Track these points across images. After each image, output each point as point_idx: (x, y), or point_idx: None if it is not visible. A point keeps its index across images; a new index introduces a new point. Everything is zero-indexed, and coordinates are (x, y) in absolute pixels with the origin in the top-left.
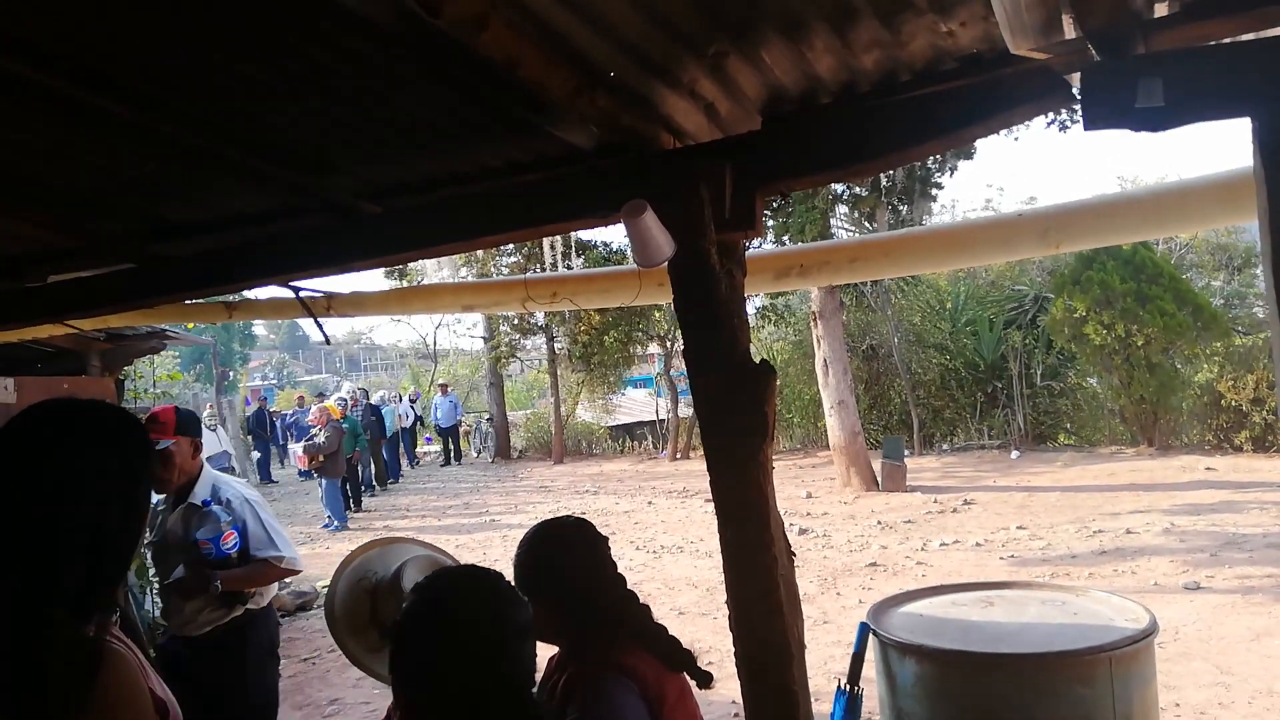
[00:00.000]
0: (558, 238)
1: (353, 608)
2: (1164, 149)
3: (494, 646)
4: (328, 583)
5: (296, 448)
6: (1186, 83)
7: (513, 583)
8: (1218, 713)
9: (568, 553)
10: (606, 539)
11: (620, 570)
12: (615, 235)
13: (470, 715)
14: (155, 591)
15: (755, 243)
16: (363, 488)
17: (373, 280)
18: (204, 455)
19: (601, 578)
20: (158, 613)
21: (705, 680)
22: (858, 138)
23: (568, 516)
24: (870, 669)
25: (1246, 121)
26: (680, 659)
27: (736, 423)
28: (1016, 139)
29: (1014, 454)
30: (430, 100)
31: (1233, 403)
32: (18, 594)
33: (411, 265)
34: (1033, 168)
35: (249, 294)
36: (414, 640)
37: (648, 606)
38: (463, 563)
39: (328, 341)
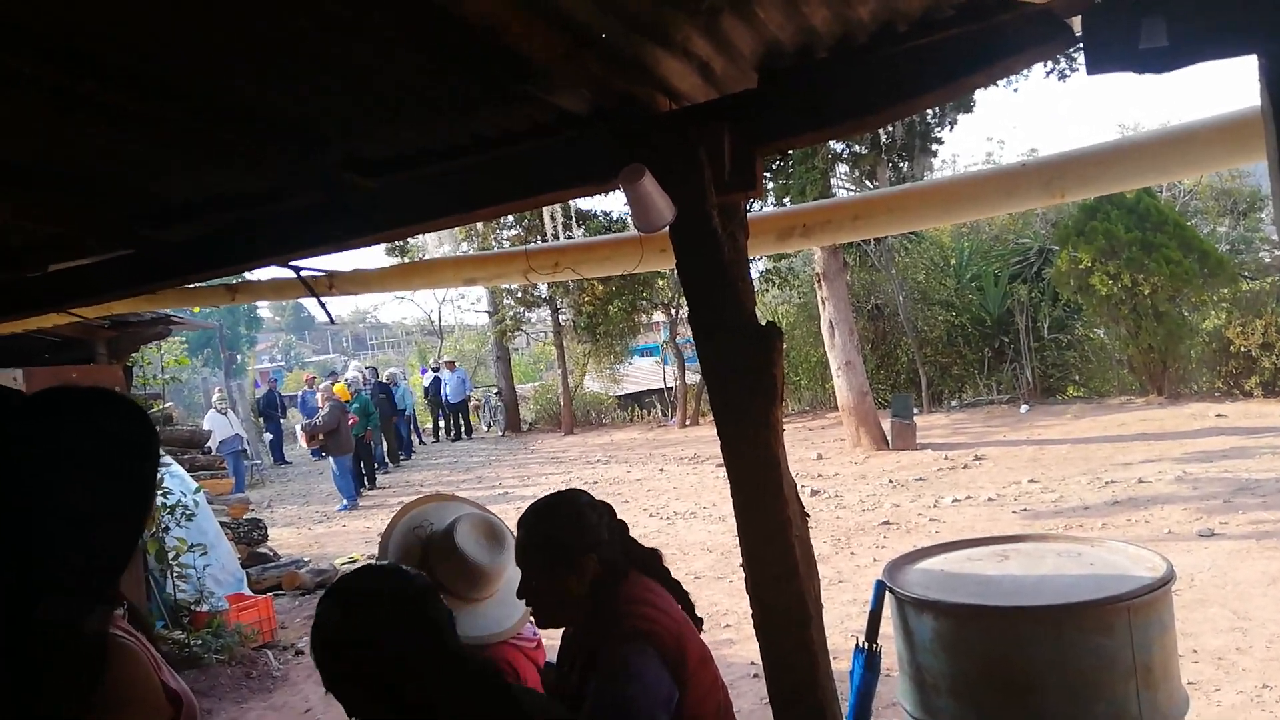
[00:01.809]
0: (558, 209)
1: (405, 550)
2: (1165, 96)
3: (384, 667)
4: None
5: (298, 427)
6: (1191, 21)
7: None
8: (1235, 657)
9: (565, 523)
10: (607, 504)
11: (634, 536)
12: (616, 205)
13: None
14: (175, 575)
15: (756, 206)
16: (376, 465)
17: (375, 258)
18: (216, 439)
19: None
20: (179, 596)
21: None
22: (856, 91)
23: (557, 492)
24: (888, 626)
25: (1253, 60)
26: (686, 598)
27: (745, 387)
28: (1016, 90)
29: (1023, 408)
30: (418, 69)
31: (1241, 348)
32: (13, 590)
33: (412, 241)
34: (1033, 120)
35: (250, 276)
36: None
37: (657, 550)
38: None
39: (331, 320)
